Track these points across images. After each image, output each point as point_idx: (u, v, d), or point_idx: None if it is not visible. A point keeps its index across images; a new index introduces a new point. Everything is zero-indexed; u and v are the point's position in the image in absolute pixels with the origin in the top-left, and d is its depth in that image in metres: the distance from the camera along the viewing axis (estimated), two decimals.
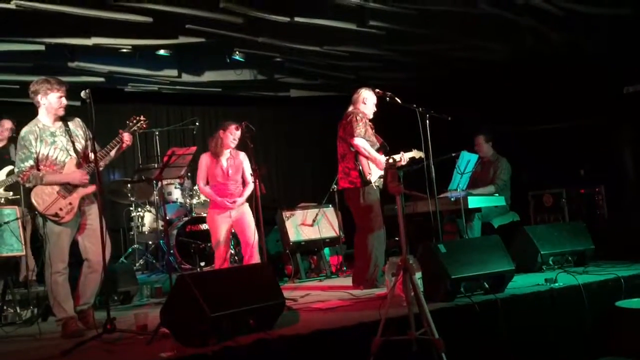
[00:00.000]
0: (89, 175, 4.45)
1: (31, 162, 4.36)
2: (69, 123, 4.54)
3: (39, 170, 4.38)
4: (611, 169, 7.30)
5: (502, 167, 6.91)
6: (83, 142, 4.57)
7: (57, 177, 4.38)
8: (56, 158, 4.42)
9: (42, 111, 4.46)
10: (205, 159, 5.77)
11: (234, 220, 5.71)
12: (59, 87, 4.41)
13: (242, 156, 5.85)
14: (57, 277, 4.34)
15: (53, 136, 4.44)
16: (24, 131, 4.41)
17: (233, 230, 5.90)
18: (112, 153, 4.55)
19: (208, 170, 5.77)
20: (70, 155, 4.46)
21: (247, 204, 5.80)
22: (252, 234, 5.67)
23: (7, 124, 6.51)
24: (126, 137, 4.53)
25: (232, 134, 5.71)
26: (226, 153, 5.77)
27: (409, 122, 5.51)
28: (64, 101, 4.44)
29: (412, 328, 3.55)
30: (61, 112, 4.46)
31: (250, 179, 5.77)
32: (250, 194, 5.72)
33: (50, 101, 4.40)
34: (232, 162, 5.78)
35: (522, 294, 4.50)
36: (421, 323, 3.55)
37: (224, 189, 5.72)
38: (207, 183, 5.80)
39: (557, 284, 4.67)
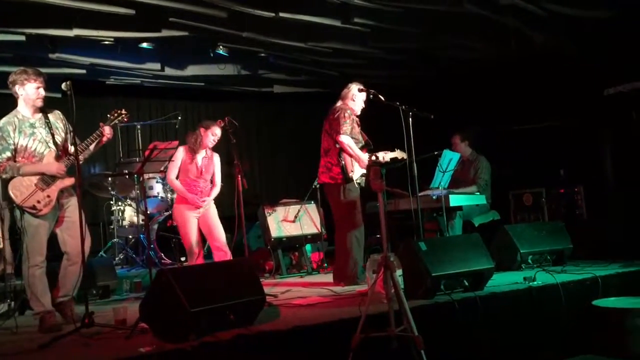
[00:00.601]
0: (67, 167, 4.41)
1: (8, 154, 4.31)
2: (49, 115, 4.49)
3: (16, 161, 4.33)
4: (590, 170, 7.38)
5: (482, 166, 6.97)
6: (63, 134, 4.52)
7: (34, 167, 4.33)
8: (35, 150, 4.37)
9: (20, 102, 4.41)
10: (181, 153, 5.72)
11: (200, 217, 5.70)
12: (36, 78, 4.36)
13: (216, 158, 5.85)
14: (34, 271, 4.30)
15: (32, 127, 4.39)
16: (2, 122, 4.36)
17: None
18: (92, 147, 4.50)
19: (182, 165, 5.72)
20: (50, 147, 4.42)
21: (213, 203, 5.79)
22: (219, 232, 5.68)
23: None
24: (107, 130, 4.49)
25: (213, 134, 5.69)
26: (202, 152, 5.76)
27: (393, 120, 5.53)
28: (42, 92, 4.39)
29: (392, 325, 3.57)
30: (39, 103, 4.40)
31: (218, 181, 5.80)
32: (230, 189, 5.70)
33: (27, 92, 4.35)
34: (207, 161, 5.77)
35: (501, 292, 4.53)
36: (401, 320, 3.57)
37: (195, 186, 5.71)
38: (177, 177, 5.78)
39: (535, 283, 4.70)
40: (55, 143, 4.43)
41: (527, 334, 4.46)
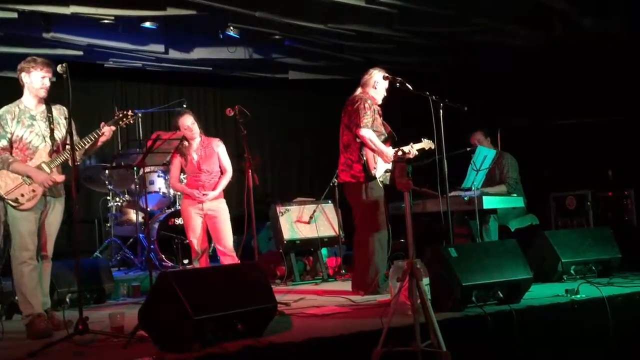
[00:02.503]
0: (56, 175, 4.53)
1: (5, 143, 4.48)
2: (53, 109, 4.65)
3: (11, 152, 4.49)
4: None
5: (508, 163, 6.92)
6: (64, 131, 4.65)
7: (24, 168, 4.48)
8: (30, 142, 4.53)
9: (25, 92, 4.60)
10: (177, 159, 5.92)
11: (205, 214, 5.76)
12: (43, 67, 4.53)
13: (215, 143, 5.89)
14: (22, 268, 4.42)
15: (32, 119, 4.56)
16: (2, 110, 4.54)
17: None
18: (87, 147, 4.62)
19: (182, 168, 5.92)
20: (46, 142, 4.57)
21: (223, 201, 5.83)
22: (225, 237, 5.74)
23: None
24: (107, 130, 4.63)
25: (183, 127, 5.75)
26: (195, 144, 5.82)
27: (420, 111, 5.51)
28: (47, 83, 4.56)
29: (417, 339, 3.55)
30: (42, 94, 4.56)
31: (227, 167, 5.85)
32: (240, 185, 5.71)
33: (32, 80, 4.53)
34: (203, 152, 5.82)
35: (539, 305, 4.50)
36: (427, 334, 3.55)
37: (196, 180, 5.81)
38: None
39: (578, 296, 4.66)
40: (52, 138, 4.58)
41: (568, 353, 4.43)
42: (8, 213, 4.48)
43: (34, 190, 4.47)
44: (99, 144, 4.69)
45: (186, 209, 5.81)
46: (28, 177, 4.45)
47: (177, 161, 5.91)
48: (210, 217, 5.77)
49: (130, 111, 4.76)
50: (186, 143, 5.81)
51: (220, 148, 5.89)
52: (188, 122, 5.77)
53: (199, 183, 5.78)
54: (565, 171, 7.73)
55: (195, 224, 5.76)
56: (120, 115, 4.73)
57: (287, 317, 4.53)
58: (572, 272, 5.50)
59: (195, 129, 5.80)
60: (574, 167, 7.71)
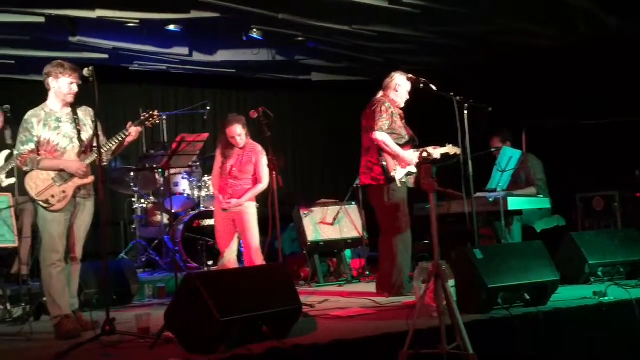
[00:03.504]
0: (88, 164, 4.53)
1: (32, 146, 4.50)
2: (79, 111, 4.66)
3: (38, 154, 4.50)
4: None
5: (533, 165, 6.85)
6: (90, 132, 4.65)
7: (54, 162, 4.50)
8: (58, 144, 4.54)
9: (51, 95, 4.61)
10: (218, 156, 5.91)
11: (234, 216, 5.78)
12: (72, 73, 4.55)
13: (258, 153, 5.82)
14: (51, 270, 4.44)
15: (58, 122, 4.58)
16: (28, 114, 4.57)
17: None
18: (114, 148, 4.64)
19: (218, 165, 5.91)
20: (74, 143, 4.57)
21: (252, 204, 5.83)
22: (251, 237, 5.74)
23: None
24: (134, 131, 4.65)
25: (231, 135, 5.73)
26: (237, 149, 5.82)
27: (443, 112, 5.47)
28: (75, 88, 4.57)
29: (443, 342, 3.53)
30: (70, 99, 4.59)
31: (263, 178, 5.79)
32: (266, 190, 5.71)
33: (60, 85, 4.55)
34: (243, 158, 5.81)
35: (567, 307, 4.46)
36: (454, 336, 3.53)
37: (224, 185, 5.83)
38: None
39: (606, 298, 4.61)
40: (80, 139, 4.58)
41: (596, 356, 4.37)
42: (38, 214, 4.51)
43: (64, 192, 4.49)
44: (126, 144, 4.72)
45: (216, 209, 5.88)
46: (60, 170, 4.46)
47: (218, 158, 5.89)
48: (238, 217, 5.77)
49: (156, 111, 4.78)
50: (230, 147, 5.80)
51: (260, 157, 5.82)
52: (236, 131, 5.72)
53: (227, 188, 5.80)
54: (592, 172, 7.64)
55: (219, 224, 5.81)
56: (147, 115, 4.74)
57: (311, 318, 4.53)
58: (599, 274, 5.44)
59: (242, 139, 5.76)
60: (600, 167, 7.62)
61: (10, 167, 6.30)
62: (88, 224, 4.65)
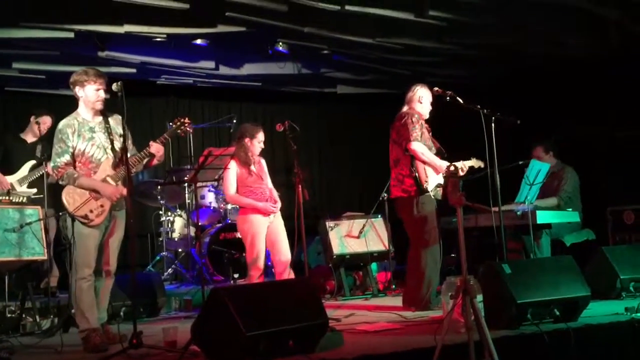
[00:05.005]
0: (122, 193, 4.50)
1: (68, 158, 4.48)
2: (110, 119, 4.64)
3: (75, 166, 4.50)
4: None
5: (567, 177, 6.78)
6: (122, 140, 4.63)
7: (91, 183, 4.47)
8: (92, 155, 4.53)
9: (81, 104, 4.59)
10: (235, 168, 5.77)
11: (269, 227, 5.75)
12: (97, 79, 4.51)
13: (263, 162, 5.98)
14: (82, 284, 4.44)
15: (92, 132, 4.56)
16: (61, 124, 4.55)
17: None
18: (143, 162, 4.63)
19: (239, 179, 5.77)
20: (107, 154, 4.57)
21: (279, 212, 5.84)
22: (285, 246, 5.74)
23: (48, 120, 6.66)
24: (154, 148, 4.56)
25: (259, 141, 5.80)
26: (253, 158, 5.87)
27: (469, 125, 5.44)
28: (102, 94, 4.55)
29: (471, 357, 3.49)
30: (99, 106, 4.56)
31: (271, 186, 5.89)
32: (290, 200, 5.74)
33: (87, 94, 4.52)
34: (258, 167, 5.88)
35: (598, 324, 4.40)
36: (482, 352, 3.49)
37: (261, 193, 5.78)
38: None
39: (639, 314, 4.53)
40: (113, 149, 4.57)
41: None
42: (75, 229, 4.46)
43: (102, 206, 4.46)
44: (152, 164, 4.69)
45: (253, 221, 5.66)
46: (95, 191, 4.44)
47: (235, 170, 5.75)
48: (274, 229, 5.75)
49: (186, 118, 4.71)
50: (250, 154, 5.80)
51: (264, 165, 5.97)
52: (262, 136, 5.84)
53: (264, 196, 5.77)
54: (622, 184, 7.53)
55: (262, 237, 5.69)
56: (178, 123, 4.69)
57: (338, 333, 4.49)
58: (631, 289, 5.36)
59: (262, 145, 5.87)
60: (632, 180, 7.51)
61: (33, 177, 6.38)
62: (121, 236, 4.64)
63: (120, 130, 4.63)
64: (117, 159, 4.56)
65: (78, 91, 4.55)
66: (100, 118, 4.61)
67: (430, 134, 5.63)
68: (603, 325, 4.38)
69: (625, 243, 7.05)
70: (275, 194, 5.90)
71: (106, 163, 4.54)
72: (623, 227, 7.26)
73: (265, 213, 5.69)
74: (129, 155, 4.47)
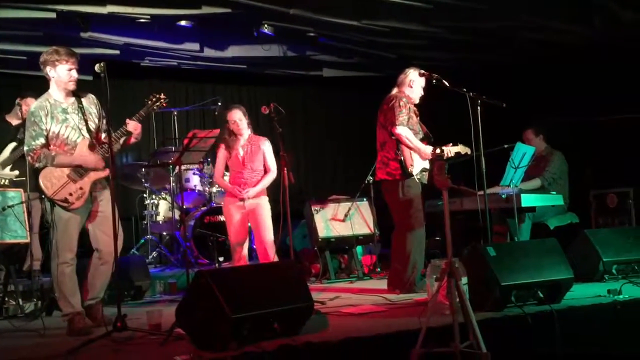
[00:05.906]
0: (104, 158, 4.44)
1: (42, 140, 4.38)
2: (83, 99, 4.53)
3: (49, 149, 4.40)
4: None
5: (554, 159, 6.80)
6: (96, 120, 4.57)
7: (71, 158, 4.39)
8: (67, 137, 4.43)
9: (52, 85, 4.46)
10: (221, 152, 5.90)
11: (248, 211, 5.77)
12: (68, 58, 4.38)
13: (263, 142, 5.90)
14: (64, 268, 4.39)
15: (65, 113, 4.45)
16: (33, 106, 4.43)
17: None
18: (120, 142, 4.53)
19: (226, 162, 5.90)
20: (83, 135, 4.47)
21: (265, 197, 5.85)
22: (266, 230, 5.75)
23: (31, 102, 6.56)
24: (131, 126, 4.47)
25: (232, 120, 5.77)
26: (242, 140, 5.83)
27: (456, 109, 5.43)
28: (74, 74, 4.42)
29: (456, 340, 3.51)
30: (71, 87, 4.44)
31: (271, 166, 5.85)
32: (275, 184, 5.72)
33: (59, 74, 4.39)
34: (249, 148, 5.84)
35: (580, 305, 4.42)
36: (467, 334, 3.51)
37: (238, 177, 5.83)
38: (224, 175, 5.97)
39: (621, 296, 4.56)
40: (88, 130, 4.48)
41: (610, 355, 4.33)
42: (55, 213, 4.35)
43: (81, 188, 4.38)
44: (130, 142, 4.58)
45: (227, 206, 5.85)
46: (78, 166, 4.35)
47: (222, 154, 5.89)
48: (251, 212, 5.78)
49: (162, 94, 4.59)
50: (233, 137, 5.81)
51: (266, 146, 5.90)
52: (236, 116, 5.78)
53: (241, 180, 5.80)
54: (605, 168, 7.58)
55: (233, 221, 5.79)
56: (153, 99, 4.57)
57: (323, 316, 4.51)
58: (614, 271, 5.39)
59: (243, 124, 5.81)
60: (614, 164, 7.56)
61: (15, 159, 6.29)
62: (108, 215, 4.34)
63: (93, 110, 4.54)
64: (93, 140, 4.46)
65: (49, 71, 4.39)
66: (73, 99, 4.49)
67: (418, 118, 5.61)
68: (586, 307, 4.41)
69: (608, 226, 7.11)
70: (268, 178, 5.85)
71: (82, 144, 4.43)
72: (606, 210, 7.32)
73: (234, 196, 5.72)
74: (103, 135, 4.37)
